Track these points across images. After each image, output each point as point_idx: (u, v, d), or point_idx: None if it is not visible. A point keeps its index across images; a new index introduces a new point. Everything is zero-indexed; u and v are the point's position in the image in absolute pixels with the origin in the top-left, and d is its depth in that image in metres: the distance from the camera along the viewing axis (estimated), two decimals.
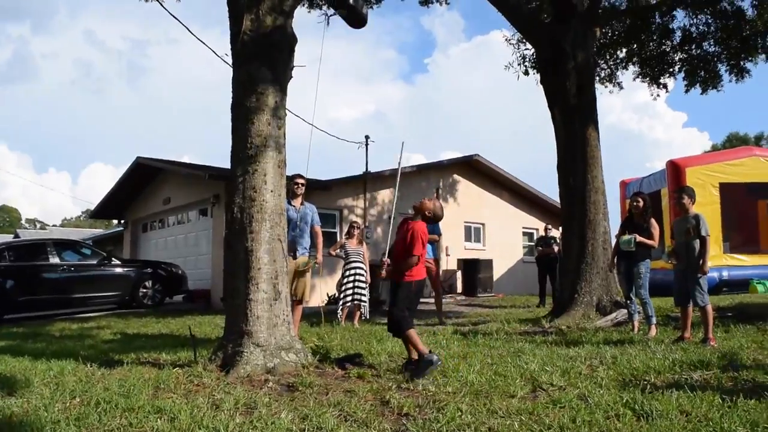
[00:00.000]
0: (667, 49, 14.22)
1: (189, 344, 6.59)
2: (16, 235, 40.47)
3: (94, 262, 14.27)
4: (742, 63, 13.67)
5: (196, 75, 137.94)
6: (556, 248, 14.10)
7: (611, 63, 15.13)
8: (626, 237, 7.90)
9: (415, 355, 5.53)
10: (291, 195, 8.03)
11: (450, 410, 4.01)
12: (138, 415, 3.96)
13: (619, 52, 14.87)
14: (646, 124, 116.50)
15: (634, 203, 8.09)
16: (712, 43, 13.77)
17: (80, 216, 77.44)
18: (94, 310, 14.05)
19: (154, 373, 5.33)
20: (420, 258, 5.61)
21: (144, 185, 20.06)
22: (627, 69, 15.08)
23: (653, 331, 7.71)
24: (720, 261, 13.77)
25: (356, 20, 7.86)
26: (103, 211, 21.88)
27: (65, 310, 13.71)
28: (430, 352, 5.43)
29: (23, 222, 74.32)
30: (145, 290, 14.66)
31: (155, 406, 4.13)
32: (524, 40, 14.56)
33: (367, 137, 19.67)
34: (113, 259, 14.83)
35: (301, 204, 8.20)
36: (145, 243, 21.02)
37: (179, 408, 4.08)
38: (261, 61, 5.76)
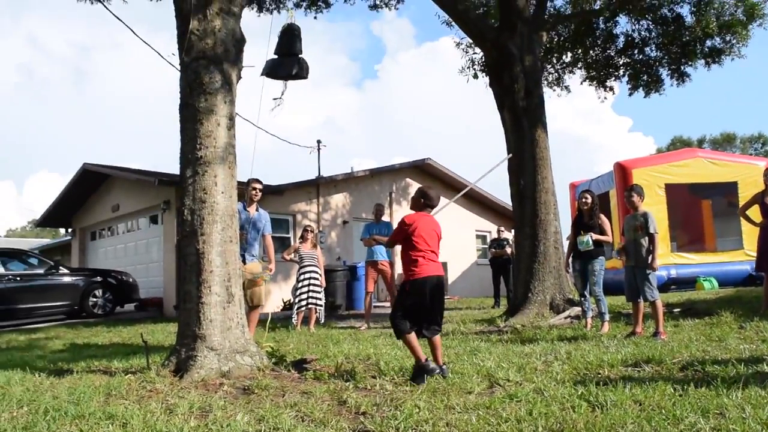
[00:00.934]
0: (612, 54, 14.61)
1: (141, 352, 6.41)
2: None
3: (41, 271, 13.84)
4: (682, 68, 14.13)
5: (143, 80, 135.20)
6: (509, 250, 14.29)
7: (558, 67, 15.45)
8: (583, 237, 7.99)
9: (441, 360, 5.24)
10: (247, 201, 7.84)
11: (407, 407, 3.98)
12: (89, 422, 3.82)
13: (565, 57, 15.20)
14: (591, 129, 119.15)
15: (583, 200, 8.22)
16: (653, 49, 14.20)
17: (26, 226, 75.00)
18: (42, 320, 13.60)
19: (105, 381, 5.17)
20: (393, 245, 5.40)
21: (91, 192, 19.56)
22: (573, 73, 15.45)
23: (606, 327, 7.84)
24: (668, 260, 14.14)
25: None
26: (50, 219, 21.22)
27: (12, 322, 13.23)
28: (426, 360, 5.09)
29: None
30: (95, 299, 14.27)
31: (106, 413, 3.99)
32: (473, 45, 14.75)
33: (318, 142, 19.65)
34: (61, 268, 14.40)
35: (256, 210, 7.98)
36: (94, 251, 20.47)
37: (131, 413, 3.95)
38: (208, 61, 5.65)
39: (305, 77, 8.18)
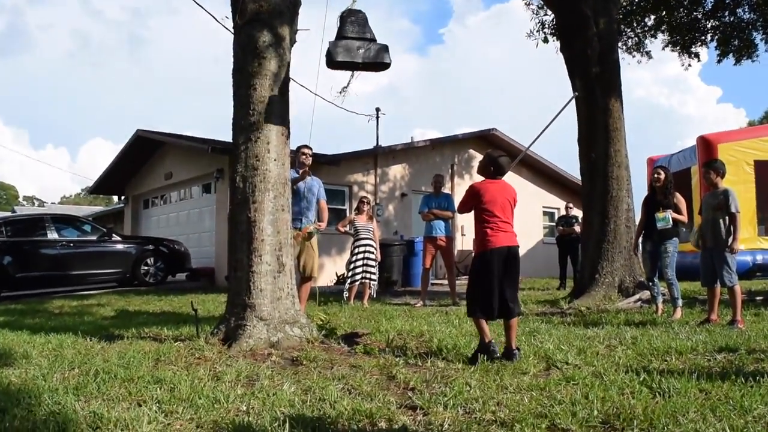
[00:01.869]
0: (699, 16, 14.09)
1: (191, 320, 6.70)
2: (13, 212, 40.86)
3: (94, 238, 14.45)
4: None
5: (199, 46, 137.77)
6: (577, 228, 14.07)
7: (639, 31, 15.00)
8: (661, 214, 7.82)
9: (513, 344, 5.15)
10: (298, 166, 8.07)
11: (458, 385, 4.08)
12: (137, 385, 4.08)
13: (647, 20, 14.74)
14: (677, 99, 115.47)
15: (655, 176, 8.01)
16: (746, 10, 13.63)
17: (80, 193, 78.21)
18: (94, 287, 14.24)
19: (154, 347, 5.46)
20: (462, 212, 5.37)
21: (145, 160, 20.19)
22: (656, 37, 14.97)
23: (678, 313, 7.71)
24: (754, 244, 13.69)
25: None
26: (103, 186, 22.07)
27: (64, 288, 13.92)
28: (490, 341, 5.08)
29: (21, 199, 75.15)
30: (146, 268, 14.84)
31: (155, 377, 4.26)
32: (544, 6, 14.46)
33: (377, 110, 19.69)
34: (114, 235, 15.00)
35: (310, 176, 8.23)
36: (147, 219, 21.22)
37: (179, 378, 4.20)
38: (262, 24, 5.79)
39: (389, 64, 6.77)
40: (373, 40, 6.68)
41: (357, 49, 6.64)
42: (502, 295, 5.11)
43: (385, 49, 6.68)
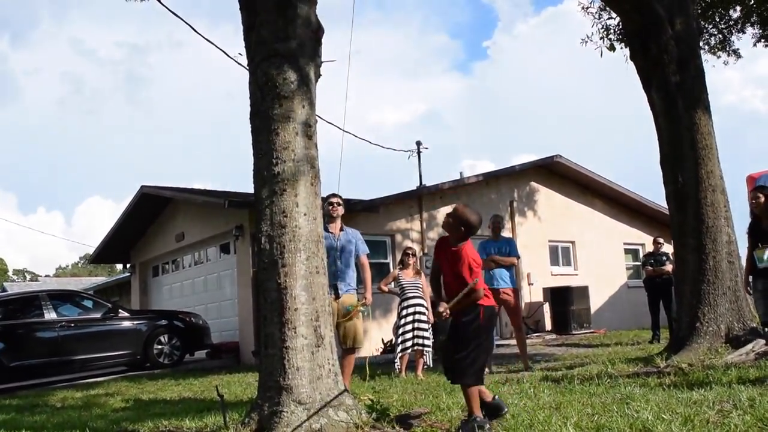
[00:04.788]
0: None
1: (216, 408, 6.77)
2: (3, 290, 41.78)
3: (98, 315, 14.70)
4: None
5: (207, 82, 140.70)
6: (669, 267, 13.92)
7: (722, 26, 14.95)
8: (762, 252, 7.71)
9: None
10: (327, 219, 8.16)
11: None
12: None
13: (731, 11, 14.69)
14: None
15: (753, 201, 7.91)
16: None
17: (78, 262, 79.85)
18: (100, 373, 14.43)
19: None
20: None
21: (152, 220, 20.60)
22: (744, 32, 14.89)
23: None
24: None
25: None
26: (105, 254, 22.51)
27: (66, 376, 14.15)
28: (484, 416, 5.38)
29: (10, 274, 76.86)
30: (160, 347, 15.01)
31: None
32: (606, 8, 14.53)
33: (418, 144, 19.83)
34: (120, 310, 15.24)
35: (341, 230, 8.30)
36: (157, 289, 21.55)
37: None
38: (282, 59, 5.95)
39: None
40: None
41: None
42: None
43: None
